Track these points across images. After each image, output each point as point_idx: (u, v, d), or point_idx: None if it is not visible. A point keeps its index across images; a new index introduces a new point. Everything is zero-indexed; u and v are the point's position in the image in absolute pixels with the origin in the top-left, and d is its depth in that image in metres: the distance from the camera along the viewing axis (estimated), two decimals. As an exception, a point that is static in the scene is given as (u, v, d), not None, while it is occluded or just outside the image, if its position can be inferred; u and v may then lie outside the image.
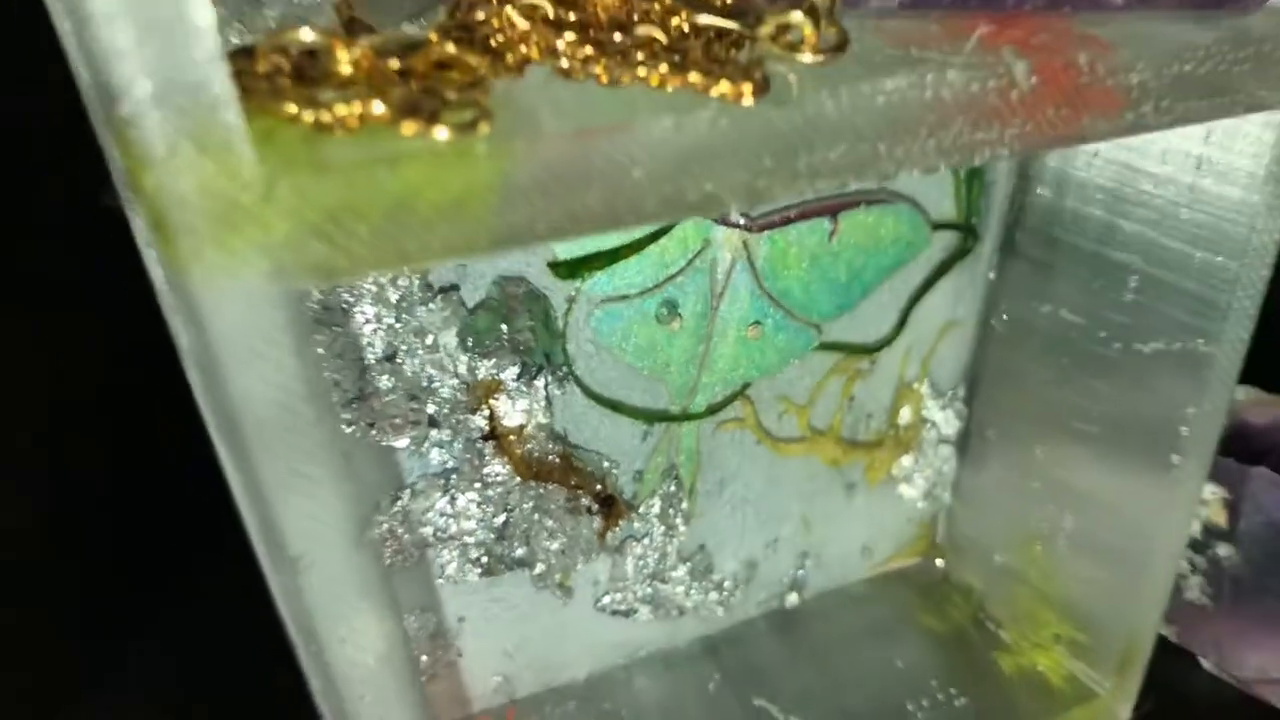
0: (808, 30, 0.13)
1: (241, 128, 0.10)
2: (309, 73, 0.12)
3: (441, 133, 0.11)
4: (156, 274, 0.16)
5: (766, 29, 0.13)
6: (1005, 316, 0.21)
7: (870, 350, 0.22)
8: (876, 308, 0.21)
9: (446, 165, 0.11)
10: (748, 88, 0.13)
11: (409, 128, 0.11)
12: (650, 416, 0.20)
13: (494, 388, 0.18)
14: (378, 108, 0.12)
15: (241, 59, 0.12)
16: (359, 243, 0.11)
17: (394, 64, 0.13)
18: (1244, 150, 0.17)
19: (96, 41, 0.10)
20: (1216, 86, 0.16)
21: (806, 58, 0.13)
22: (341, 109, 0.11)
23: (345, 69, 0.12)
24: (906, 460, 0.23)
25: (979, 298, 0.22)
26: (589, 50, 0.13)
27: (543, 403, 0.18)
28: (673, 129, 0.12)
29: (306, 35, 0.12)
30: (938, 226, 0.21)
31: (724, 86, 0.13)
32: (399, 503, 0.18)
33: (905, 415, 0.22)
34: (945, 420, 0.23)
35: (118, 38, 0.09)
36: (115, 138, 0.12)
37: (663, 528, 0.21)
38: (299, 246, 0.11)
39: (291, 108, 0.12)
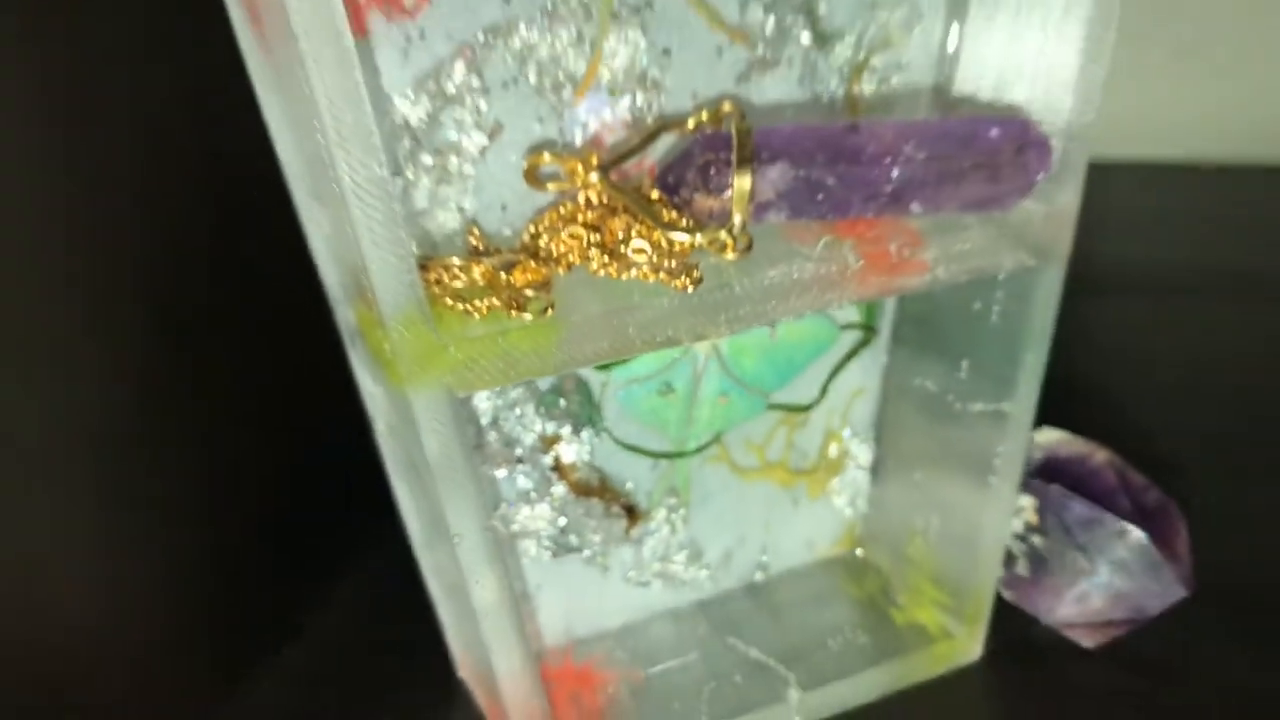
0: (729, 242, 0.23)
1: (428, 313, 0.20)
2: (458, 278, 0.22)
3: (526, 316, 0.21)
4: (364, 379, 0.26)
5: (705, 240, 0.23)
6: (894, 385, 0.31)
7: (805, 409, 0.31)
8: (807, 381, 0.31)
9: (531, 331, 0.21)
10: (694, 277, 0.22)
11: (509, 314, 0.21)
12: (657, 455, 0.29)
13: (556, 439, 0.27)
14: (494, 302, 0.21)
15: (420, 271, 0.21)
16: (486, 372, 0.21)
17: (502, 274, 0.22)
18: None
19: (350, 254, 0.20)
20: (984, 253, 0.25)
21: (729, 256, 0.23)
22: (476, 303, 0.21)
23: (477, 278, 0.22)
24: (835, 481, 0.32)
25: (878, 373, 0.31)
26: (606, 259, 0.23)
27: (587, 448, 0.28)
28: (653, 305, 0.22)
29: (455, 260, 0.22)
30: (846, 327, 0.30)
31: (680, 280, 0.22)
32: (499, 509, 0.27)
33: (833, 450, 0.31)
34: (861, 453, 0.32)
35: (369, 261, 0.19)
36: (355, 309, 0.22)
37: (667, 528, 0.30)
38: (458, 374, 0.20)
39: (449, 301, 0.21)
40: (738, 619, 0.30)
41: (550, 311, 0.21)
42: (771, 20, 0.25)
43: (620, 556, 0.29)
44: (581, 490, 0.28)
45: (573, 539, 0.28)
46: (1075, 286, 0.26)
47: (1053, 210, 0.24)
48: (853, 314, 0.29)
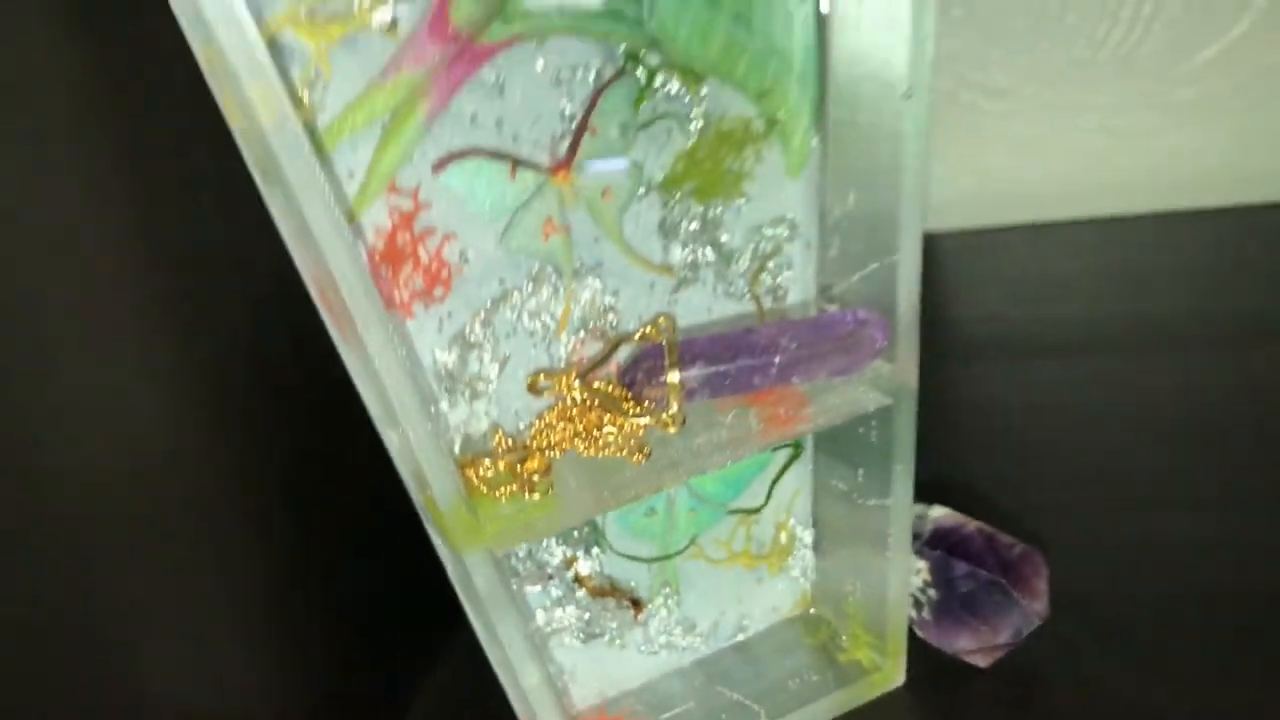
0: (669, 420, 0.33)
1: (470, 503, 0.30)
2: (490, 470, 0.33)
3: (535, 496, 0.31)
4: (433, 535, 0.36)
5: (654, 420, 0.33)
6: (820, 485, 0.40)
7: (756, 510, 0.41)
8: (755, 490, 0.40)
9: (541, 505, 0.31)
10: (645, 452, 0.33)
11: (524, 495, 0.31)
12: (650, 560, 0.39)
13: (574, 559, 0.37)
14: (513, 488, 0.32)
15: (462, 468, 0.32)
16: (513, 537, 0.31)
17: (518, 465, 0.33)
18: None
19: (415, 464, 0.30)
20: (851, 402, 0.35)
21: (671, 430, 0.33)
22: (500, 490, 0.31)
23: (501, 469, 0.32)
24: (788, 560, 0.42)
25: (809, 476, 0.41)
26: (587, 443, 0.33)
27: (597, 562, 0.38)
28: (621, 473, 0.32)
29: (486, 460, 0.32)
30: (779, 447, 0.40)
31: (636, 456, 0.32)
32: (537, 617, 0.38)
33: (783, 537, 0.41)
34: (805, 536, 0.41)
35: (428, 473, 0.30)
36: (422, 495, 0.33)
37: (665, 610, 0.40)
38: (494, 540, 0.31)
39: (484, 490, 0.32)
40: (725, 670, 0.40)
41: (551, 491, 0.31)
42: (687, 252, 0.35)
43: (633, 636, 0.39)
44: (597, 593, 0.38)
45: (596, 628, 0.38)
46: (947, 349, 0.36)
47: (896, 365, 0.34)
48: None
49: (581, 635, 0.38)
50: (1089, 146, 0.72)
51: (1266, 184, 0.71)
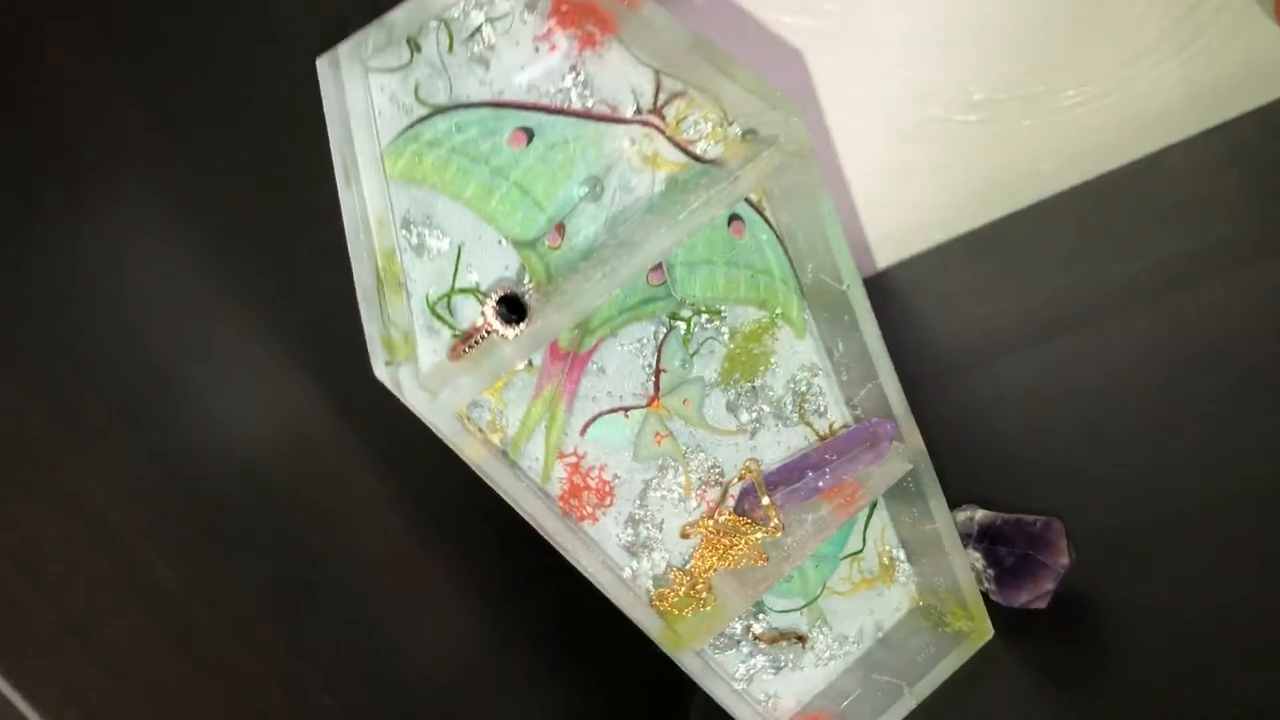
0: (775, 531, 0.50)
1: (670, 628, 0.48)
2: (675, 594, 0.50)
3: (707, 607, 0.49)
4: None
5: (766, 532, 0.50)
6: (896, 519, 0.57)
7: (860, 551, 0.57)
8: (854, 539, 0.57)
9: (713, 611, 0.49)
10: (764, 556, 0.50)
11: (700, 608, 0.49)
12: (801, 608, 0.56)
13: (749, 627, 0.55)
14: (690, 610, 0.50)
15: (655, 602, 0.50)
16: (703, 637, 0.48)
17: (689, 589, 0.50)
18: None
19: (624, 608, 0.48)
20: (889, 475, 0.51)
21: (777, 535, 0.50)
22: (682, 611, 0.49)
23: (681, 595, 0.50)
24: (896, 573, 0.58)
25: (887, 517, 0.57)
26: (727, 561, 0.50)
27: (764, 622, 0.55)
28: (754, 572, 0.49)
29: (668, 593, 0.50)
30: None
31: (761, 559, 0.49)
32: (737, 673, 0.55)
33: (885, 559, 0.58)
34: (900, 554, 0.58)
35: (639, 620, 0.47)
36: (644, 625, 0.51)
37: (823, 635, 0.57)
38: (690, 641, 0.48)
39: (675, 612, 0.49)
40: (875, 661, 0.56)
41: (715, 600, 0.49)
42: (750, 415, 0.52)
43: (807, 659, 0.56)
44: (772, 640, 0.55)
45: (780, 662, 0.55)
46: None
47: (906, 442, 0.51)
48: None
49: (772, 670, 0.55)
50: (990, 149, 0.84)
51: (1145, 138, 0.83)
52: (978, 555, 0.54)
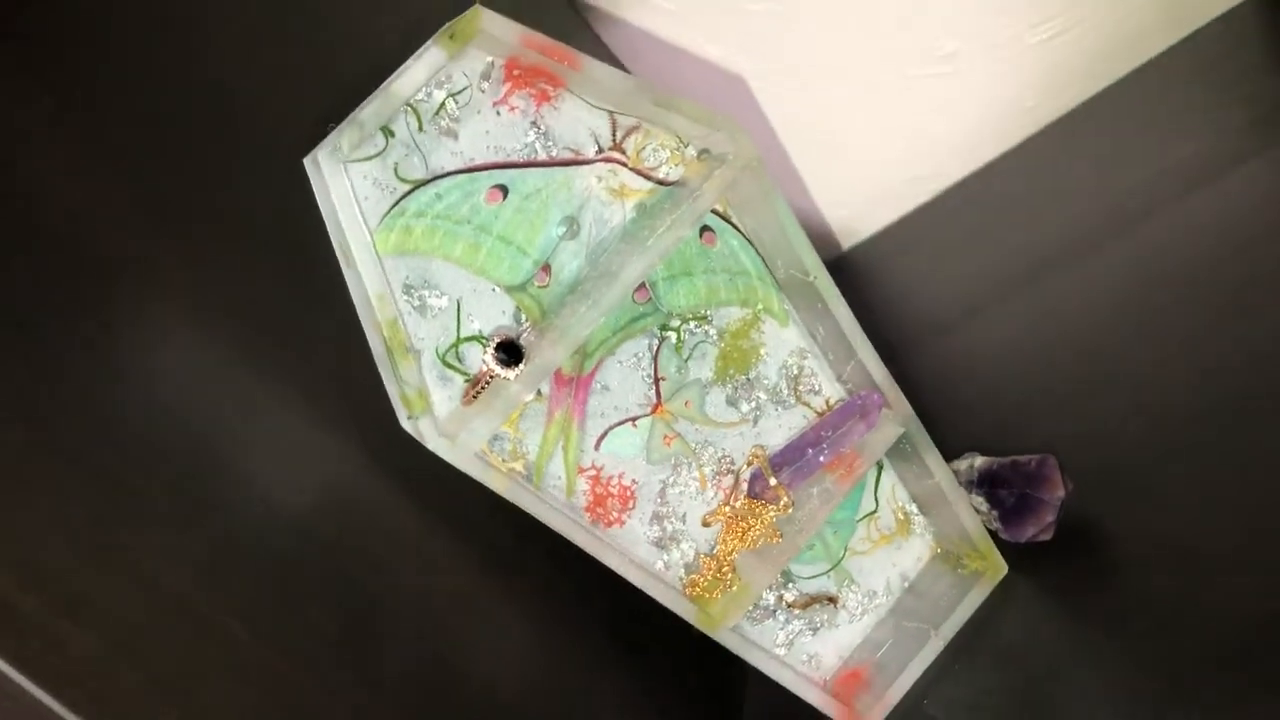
0: (785, 508, 0.54)
1: (700, 610, 0.53)
2: (704, 580, 0.55)
3: (734, 587, 0.53)
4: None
5: (778, 510, 0.54)
6: (904, 477, 0.61)
7: (874, 511, 0.61)
8: (866, 501, 0.61)
9: (740, 590, 0.53)
10: (779, 533, 0.54)
11: (729, 588, 0.54)
12: (827, 571, 0.60)
13: (781, 596, 0.59)
14: (718, 592, 0.54)
15: (688, 589, 0.54)
16: (735, 614, 0.53)
17: (716, 573, 0.55)
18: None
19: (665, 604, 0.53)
20: (883, 442, 0.55)
21: (789, 511, 0.54)
22: (712, 594, 0.54)
23: (710, 578, 0.54)
24: (911, 527, 0.62)
25: (895, 476, 0.61)
26: (746, 542, 0.55)
27: (795, 590, 0.60)
28: (772, 548, 0.54)
29: (698, 578, 0.55)
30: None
31: (775, 536, 0.54)
32: (777, 639, 0.59)
33: (900, 515, 0.62)
34: (913, 509, 0.62)
35: (676, 610, 0.52)
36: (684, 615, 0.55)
37: (852, 594, 0.61)
38: (725, 620, 0.53)
39: (705, 596, 0.54)
40: (905, 609, 0.60)
41: (740, 579, 0.53)
42: (750, 404, 0.56)
43: (841, 616, 0.60)
44: (805, 605, 0.59)
45: (816, 623, 0.59)
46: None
47: (895, 409, 0.54)
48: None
49: (810, 632, 0.59)
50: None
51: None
52: (981, 499, 0.57)
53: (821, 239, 0.91)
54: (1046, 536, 0.56)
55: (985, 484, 0.57)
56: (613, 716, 0.57)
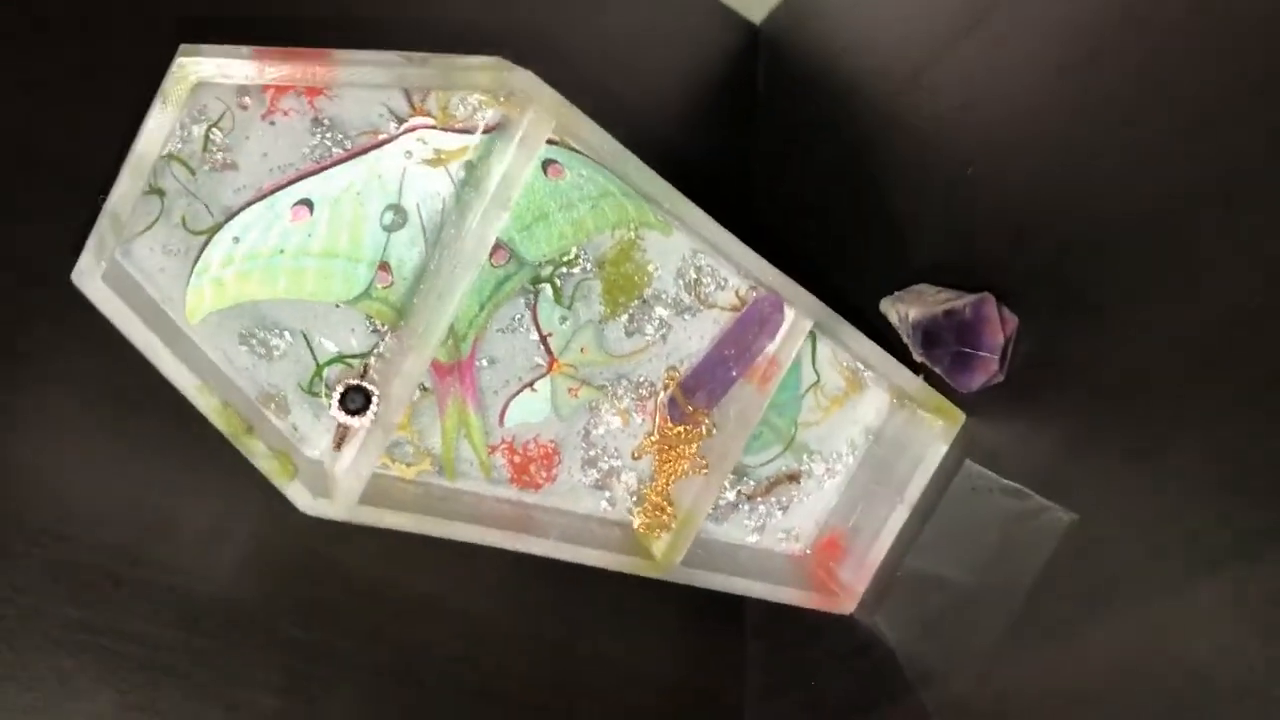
0: (709, 431, 0.50)
1: (645, 555, 0.51)
2: (647, 518, 0.53)
3: (674, 521, 0.51)
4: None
5: (702, 432, 0.51)
6: (834, 345, 0.55)
7: (818, 380, 0.57)
8: (807, 373, 0.57)
9: (685, 518, 0.51)
10: (704, 463, 0.50)
11: (670, 522, 0.51)
12: (782, 452, 0.57)
13: (739, 490, 0.57)
14: (661, 525, 0.52)
15: (638, 520, 0.52)
16: (680, 549, 0.51)
17: (655, 512, 0.52)
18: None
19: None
20: (791, 345, 0.49)
21: (714, 432, 0.50)
22: (657, 531, 0.51)
23: (650, 516, 0.52)
24: (863, 383, 0.57)
25: (828, 345, 0.56)
26: (677, 473, 0.51)
27: (751, 479, 0.57)
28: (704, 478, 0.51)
29: (636, 520, 0.52)
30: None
31: (702, 468, 0.50)
32: (748, 527, 0.57)
33: (848, 375, 0.57)
34: (859, 366, 0.57)
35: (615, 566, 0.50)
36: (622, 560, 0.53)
37: (814, 463, 0.58)
38: (675, 557, 0.51)
39: (649, 534, 0.52)
40: (876, 461, 0.57)
41: (678, 511, 0.51)
42: (654, 326, 0.51)
43: (808, 486, 0.57)
44: (767, 490, 0.56)
45: (784, 500, 0.57)
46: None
47: (795, 307, 0.49)
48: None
49: (780, 510, 0.57)
50: None
51: None
52: (923, 357, 0.52)
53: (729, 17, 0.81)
54: (1000, 378, 0.51)
55: (920, 344, 0.52)
56: (612, 642, 0.57)
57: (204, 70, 0.38)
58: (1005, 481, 0.51)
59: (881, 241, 0.63)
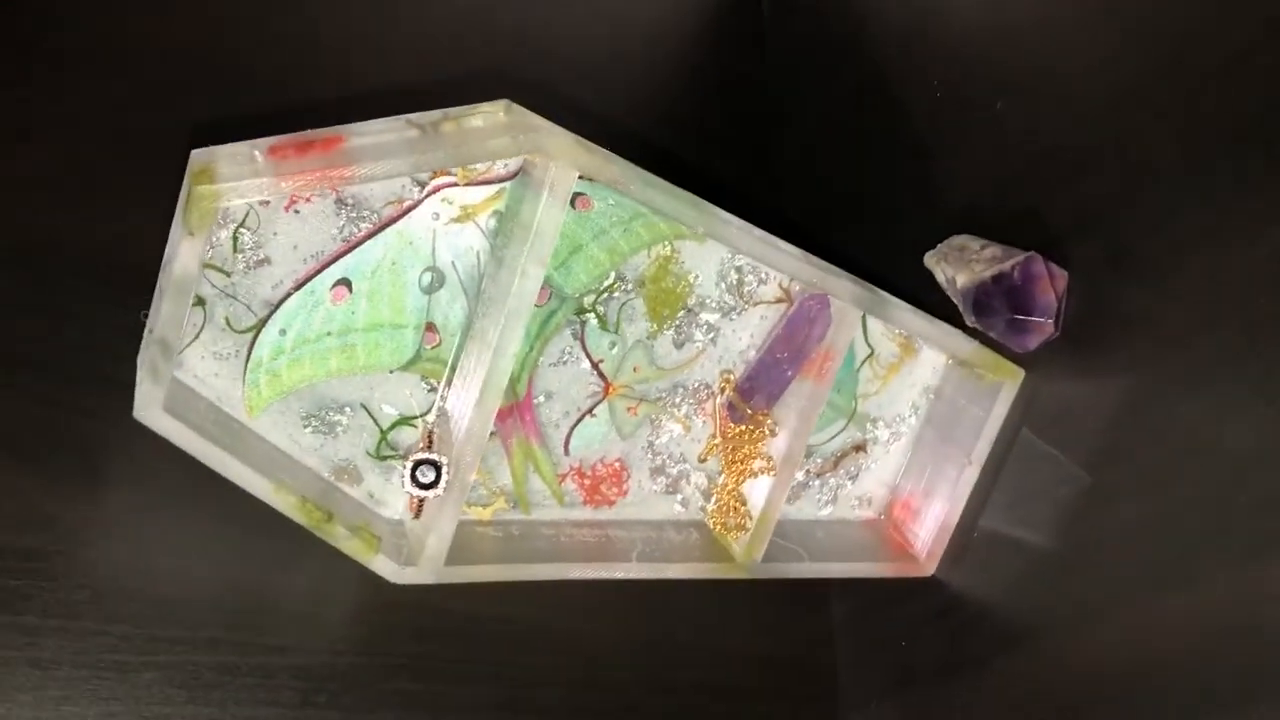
0: (771, 430, 0.50)
1: (726, 554, 0.52)
2: (721, 518, 0.53)
3: (751, 520, 0.51)
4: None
5: (765, 432, 0.51)
6: (888, 319, 0.54)
7: (872, 352, 0.56)
8: (860, 347, 0.56)
9: (761, 519, 0.51)
10: (771, 462, 0.50)
11: (746, 521, 0.52)
12: (846, 423, 0.57)
13: (809, 468, 0.57)
14: (736, 526, 0.52)
15: (711, 516, 0.53)
16: (759, 545, 0.52)
17: (730, 511, 0.53)
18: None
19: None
20: (845, 336, 0.49)
21: (776, 432, 0.50)
22: (733, 533, 0.52)
23: (726, 516, 0.52)
24: (916, 348, 0.56)
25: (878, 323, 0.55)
26: (746, 473, 0.51)
27: (820, 455, 0.57)
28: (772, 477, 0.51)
29: (712, 521, 0.53)
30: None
31: (768, 468, 0.51)
32: (825, 502, 0.58)
33: (900, 343, 0.56)
34: (914, 339, 0.56)
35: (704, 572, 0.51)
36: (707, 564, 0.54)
37: (878, 428, 0.57)
38: (755, 553, 0.52)
39: (727, 535, 0.52)
40: (939, 419, 0.57)
41: (751, 510, 0.51)
42: (703, 333, 0.51)
43: (875, 453, 0.57)
44: (835, 464, 0.56)
45: (853, 470, 0.57)
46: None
47: (841, 299, 0.48)
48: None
49: (850, 480, 0.57)
50: None
51: None
52: (975, 324, 0.52)
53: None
54: (1055, 335, 0.50)
55: (972, 311, 0.51)
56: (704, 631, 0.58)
57: (223, 196, 0.37)
58: (1046, 449, 0.51)
59: (914, 188, 0.61)
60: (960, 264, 0.52)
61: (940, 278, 0.53)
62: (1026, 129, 0.54)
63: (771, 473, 0.50)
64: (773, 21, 0.73)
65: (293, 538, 0.45)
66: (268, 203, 0.42)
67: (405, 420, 0.47)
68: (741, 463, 0.51)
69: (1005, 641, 0.51)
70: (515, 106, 0.42)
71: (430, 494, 0.43)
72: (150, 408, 0.40)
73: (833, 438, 0.56)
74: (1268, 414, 0.41)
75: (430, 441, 0.45)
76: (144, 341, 0.41)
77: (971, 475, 0.53)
